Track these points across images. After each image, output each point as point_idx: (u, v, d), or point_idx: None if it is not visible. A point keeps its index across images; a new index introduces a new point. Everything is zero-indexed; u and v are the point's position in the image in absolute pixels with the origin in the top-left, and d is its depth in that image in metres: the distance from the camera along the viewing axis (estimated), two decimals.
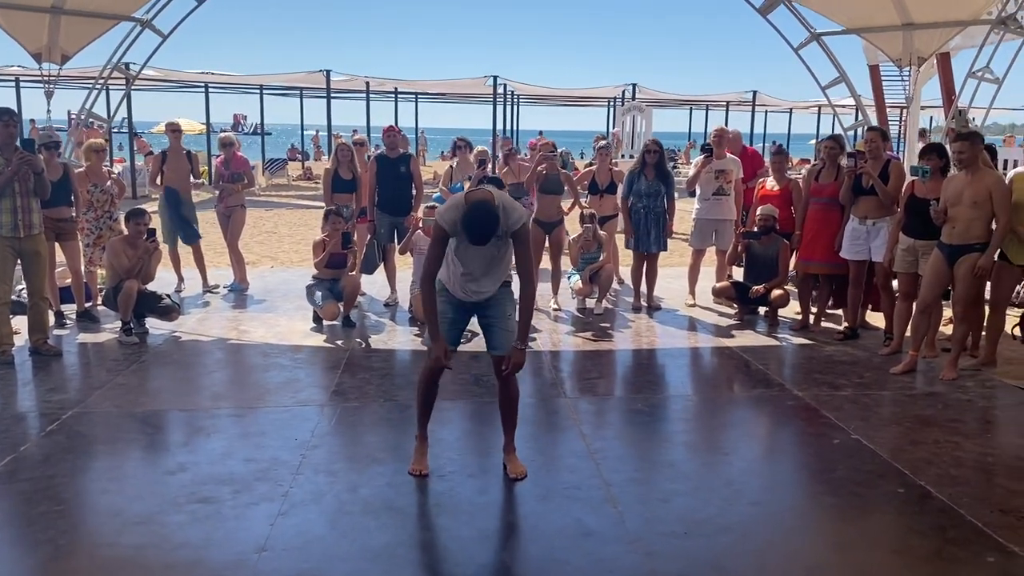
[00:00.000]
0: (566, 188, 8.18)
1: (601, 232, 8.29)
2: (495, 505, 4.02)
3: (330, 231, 7.51)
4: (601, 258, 8.19)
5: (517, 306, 4.29)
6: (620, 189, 8.57)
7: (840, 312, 7.63)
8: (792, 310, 7.76)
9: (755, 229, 7.79)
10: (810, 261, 7.34)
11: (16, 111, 8.91)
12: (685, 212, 9.86)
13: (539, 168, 7.99)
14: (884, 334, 6.99)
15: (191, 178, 8.92)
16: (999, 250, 5.93)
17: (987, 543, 3.65)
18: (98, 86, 9.28)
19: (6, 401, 5.49)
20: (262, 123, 29.55)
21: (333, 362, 6.34)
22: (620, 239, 8.56)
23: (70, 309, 7.61)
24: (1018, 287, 6.88)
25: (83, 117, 9.32)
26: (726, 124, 8.95)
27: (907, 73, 9.55)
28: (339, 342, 6.92)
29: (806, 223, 7.33)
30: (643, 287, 8.29)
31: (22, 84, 22.34)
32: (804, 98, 31.26)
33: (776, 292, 7.56)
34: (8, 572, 3.39)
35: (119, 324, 6.88)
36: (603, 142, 9.36)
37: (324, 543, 3.59)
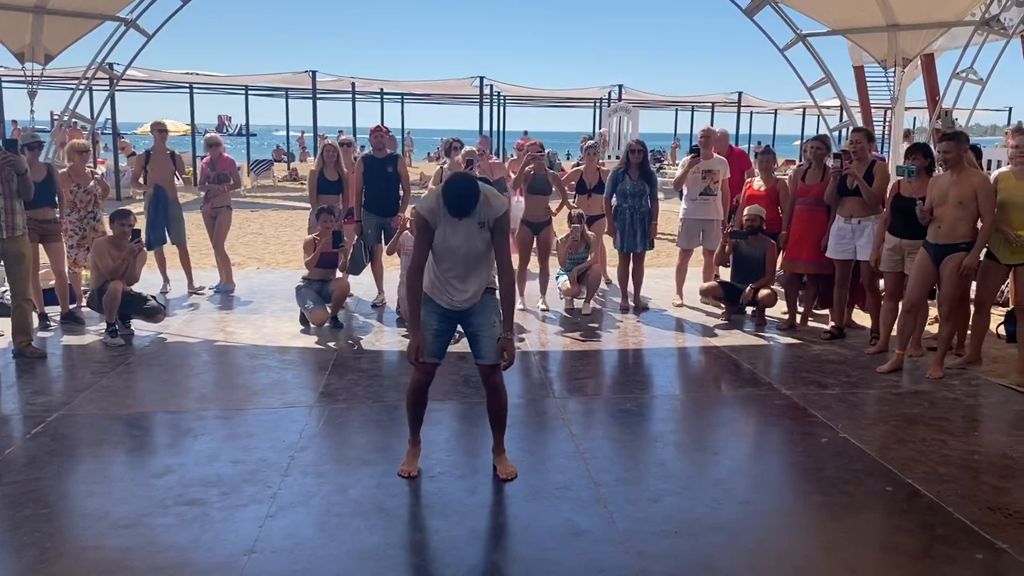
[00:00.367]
0: (554, 189, 8.18)
1: (589, 232, 8.29)
2: (485, 505, 4.00)
3: (321, 230, 7.48)
4: (589, 258, 8.19)
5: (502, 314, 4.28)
6: (605, 189, 8.58)
7: (827, 312, 7.66)
8: (779, 310, 7.80)
9: (742, 229, 7.81)
10: (796, 261, 7.37)
11: None
12: (672, 212, 9.89)
13: (527, 169, 7.99)
14: (870, 333, 7.03)
15: (176, 178, 8.86)
16: (985, 249, 5.98)
17: (975, 540, 3.67)
18: (82, 86, 9.21)
19: None
20: (247, 124, 29.45)
21: (321, 363, 6.31)
22: (608, 239, 8.57)
23: (54, 311, 7.55)
24: (1003, 286, 6.92)
25: (66, 117, 9.24)
26: (711, 125, 8.97)
27: (892, 74, 9.61)
28: (327, 343, 6.89)
29: (792, 223, 7.37)
30: (630, 287, 8.30)
31: (4, 84, 22.13)
32: (789, 99, 31.42)
33: (764, 292, 7.58)
34: None
35: (104, 326, 6.83)
36: (591, 142, 9.37)
37: (313, 545, 3.57)
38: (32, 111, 9.13)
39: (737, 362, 6.53)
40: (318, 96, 24.09)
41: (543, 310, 8.08)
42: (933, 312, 6.86)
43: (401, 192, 8.24)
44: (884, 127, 18.77)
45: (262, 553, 3.48)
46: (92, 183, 7.97)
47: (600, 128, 21.59)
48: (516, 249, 8.05)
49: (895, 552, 3.62)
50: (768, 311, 7.73)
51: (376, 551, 3.52)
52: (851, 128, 8.28)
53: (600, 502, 4.02)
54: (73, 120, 10.03)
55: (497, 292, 4.24)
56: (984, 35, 8.39)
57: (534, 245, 8.13)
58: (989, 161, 9.75)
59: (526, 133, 28.13)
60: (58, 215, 7.45)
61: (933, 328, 6.84)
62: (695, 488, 4.26)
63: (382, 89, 28.49)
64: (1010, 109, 30.15)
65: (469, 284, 4.14)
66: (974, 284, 6.36)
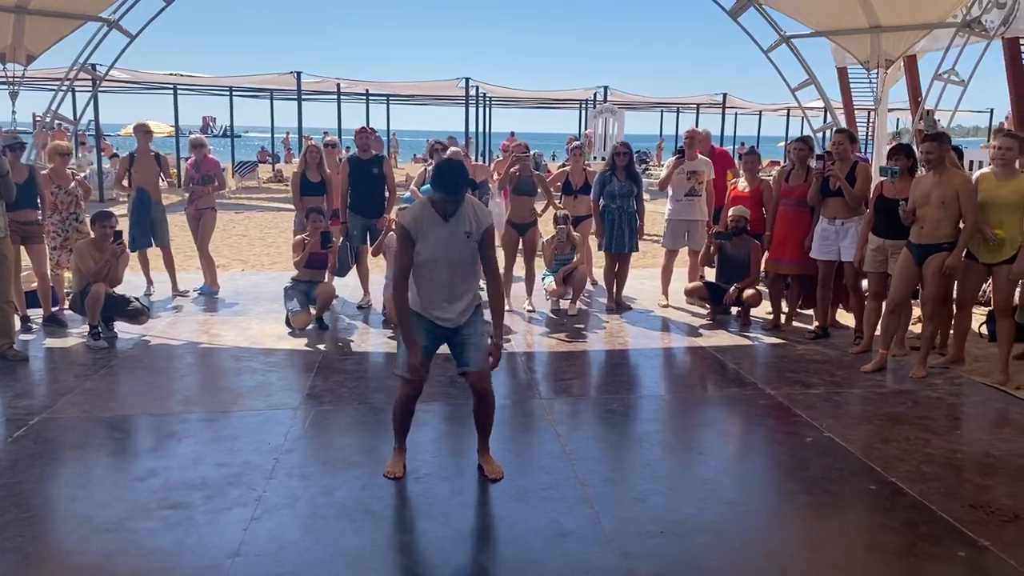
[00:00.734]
0: (539, 190, 8.19)
1: (575, 233, 8.30)
2: (471, 506, 4.00)
3: (311, 230, 7.45)
4: (575, 259, 8.20)
5: (488, 327, 4.27)
6: (592, 190, 8.59)
7: (811, 312, 7.70)
8: (764, 310, 7.83)
9: (727, 230, 7.84)
10: (780, 262, 7.40)
11: None
12: (658, 213, 9.91)
13: (512, 170, 8.00)
14: (854, 333, 7.07)
15: (160, 180, 8.80)
16: (966, 249, 6.02)
17: (958, 538, 3.70)
18: (64, 87, 9.13)
19: None
20: (231, 125, 29.29)
21: (306, 365, 6.29)
22: (594, 240, 8.59)
23: (36, 313, 7.49)
24: (984, 286, 6.97)
25: (48, 119, 9.17)
26: (696, 126, 9.00)
27: (875, 75, 9.67)
28: (312, 345, 6.86)
29: (776, 224, 7.40)
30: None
31: None
32: (773, 100, 31.57)
33: (748, 292, 7.62)
34: None
35: (87, 328, 6.78)
36: (576, 143, 9.38)
37: (298, 547, 3.55)
38: (14, 112, 9.03)
39: (722, 362, 6.55)
40: (303, 97, 24.00)
41: (529, 311, 8.08)
42: (916, 312, 6.91)
43: (387, 193, 8.23)
44: (868, 128, 18.89)
45: (247, 556, 3.46)
46: (73, 184, 7.91)
47: (586, 129, 21.62)
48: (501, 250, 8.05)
49: (879, 550, 3.64)
50: (753, 311, 7.77)
51: (362, 553, 3.51)
52: (834, 129, 8.32)
53: (586, 502, 4.02)
54: (56, 121, 9.95)
55: (483, 306, 4.23)
56: (965, 37, 8.45)
57: (520, 246, 8.13)
58: (971, 162, 9.83)
59: (512, 134, 28.15)
60: (40, 217, 7.39)
61: (916, 328, 6.88)
62: (681, 488, 4.27)
63: (367, 90, 28.43)
64: (992, 111, 30.37)
65: (457, 302, 4.10)
66: (956, 284, 6.40)
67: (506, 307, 8.03)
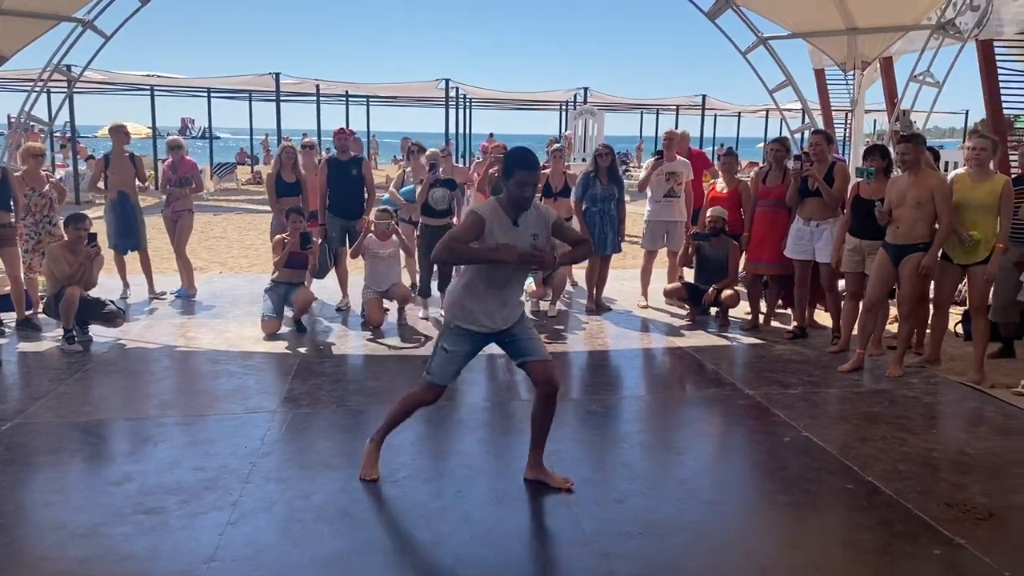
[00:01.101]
0: None
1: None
2: (450, 509, 3.97)
3: (290, 230, 7.40)
4: None
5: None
6: (574, 192, 8.60)
7: (789, 312, 7.74)
8: (743, 310, 7.86)
9: (705, 231, 7.87)
10: (758, 262, 7.44)
11: None
12: (637, 214, 9.94)
13: (491, 171, 7.99)
14: (832, 333, 7.11)
15: (137, 182, 8.71)
16: (942, 250, 6.07)
17: (934, 536, 3.72)
18: (37, 88, 9.03)
19: None
20: (210, 127, 29.07)
21: (284, 368, 6.24)
22: None
23: (9, 317, 7.39)
24: (960, 286, 7.03)
25: (22, 120, 9.06)
26: (676, 127, 9.03)
27: (851, 77, 9.74)
28: (290, 348, 6.81)
29: (754, 225, 7.44)
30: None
31: None
32: (752, 102, 31.76)
33: (726, 293, 7.64)
34: None
35: (61, 332, 6.70)
36: (556, 145, 9.38)
37: (275, 552, 3.52)
38: None
39: (701, 363, 6.57)
40: (282, 99, 23.86)
41: None
42: (893, 311, 6.96)
43: (365, 195, 8.19)
44: (845, 130, 19.01)
45: (222, 561, 3.42)
46: (47, 187, 7.82)
47: (565, 131, 21.65)
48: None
49: (856, 549, 3.65)
50: (731, 312, 7.79)
51: (339, 557, 3.48)
52: (811, 130, 8.38)
53: (566, 504, 4.02)
54: (30, 123, 9.83)
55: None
56: (940, 39, 8.52)
57: None
58: (947, 163, 9.92)
59: (491, 135, 28.15)
60: (13, 219, 7.30)
61: (893, 327, 6.93)
62: (660, 489, 4.28)
63: (347, 91, 28.32)
64: (967, 112, 30.72)
65: (506, 308, 3.99)
66: (933, 284, 6.46)
67: None
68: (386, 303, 7.68)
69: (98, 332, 6.97)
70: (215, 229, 14.83)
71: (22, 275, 7.42)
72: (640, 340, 7.41)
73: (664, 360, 6.96)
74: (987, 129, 8.39)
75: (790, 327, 7.41)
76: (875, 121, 27.92)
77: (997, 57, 9.26)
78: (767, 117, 34.47)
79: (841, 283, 7.03)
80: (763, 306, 7.72)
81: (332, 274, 8.25)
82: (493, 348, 6.77)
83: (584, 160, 14.33)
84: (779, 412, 5.35)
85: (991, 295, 6.25)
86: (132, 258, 8.76)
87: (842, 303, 6.94)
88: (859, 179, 6.50)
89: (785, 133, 10.81)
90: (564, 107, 29.43)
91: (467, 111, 31.17)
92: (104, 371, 6.19)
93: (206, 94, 27.41)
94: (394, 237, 7.68)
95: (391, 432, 4.31)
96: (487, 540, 3.69)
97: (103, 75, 21.20)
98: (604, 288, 8.45)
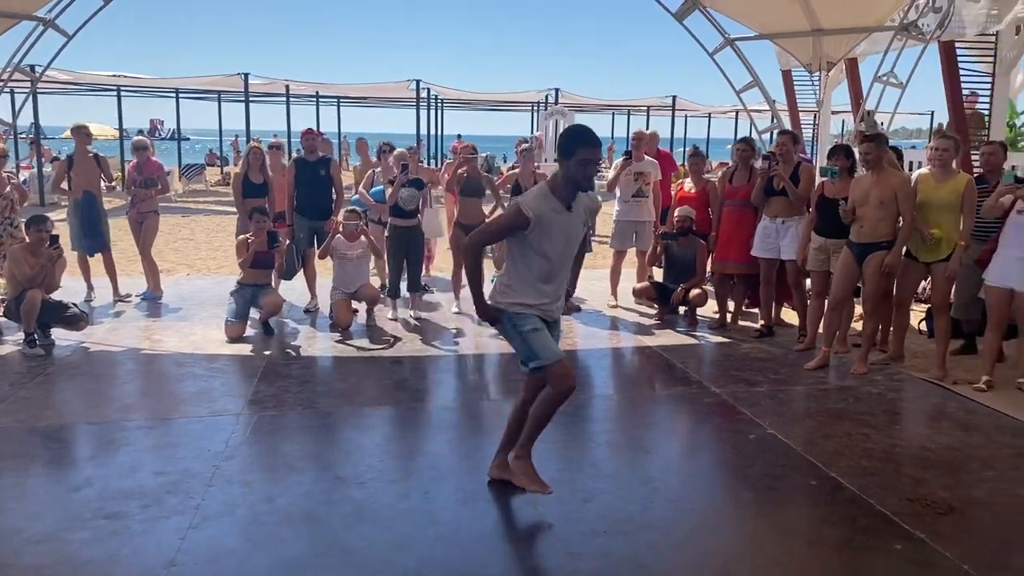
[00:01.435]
0: (488, 191, 8.17)
1: None
2: (416, 510, 3.95)
3: (254, 230, 7.33)
4: None
5: None
6: None
7: (757, 311, 7.79)
8: (710, 309, 7.91)
9: (673, 230, 7.91)
10: (726, 261, 7.49)
11: None
12: (606, 214, 9.95)
13: (460, 171, 7.97)
14: (798, 331, 7.17)
15: (102, 183, 8.58)
16: (905, 248, 6.14)
17: (895, 531, 3.76)
18: None
19: None
20: (178, 128, 28.78)
21: (250, 370, 6.18)
22: None
23: None
24: (924, 283, 7.13)
25: None
26: (647, 128, 9.08)
27: (817, 78, 9.85)
28: (257, 350, 6.75)
29: (721, 224, 7.49)
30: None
31: None
32: (722, 103, 31.96)
33: (695, 292, 7.69)
34: None
35: (23, 336, 6.58)
36: (525, 145, 9.37)
37: (237, 556, 3.48)
38: None
39: (669, 361, 6.60)
40: (251, 99, 23.66)
41: None
42: (859, 310, 7.04)
43: (334, 195, 8.14)
44: (814, 130, 19.20)
45: (183, 566, 3.38)
46: (8, 188, 7.69)
47: (536, 132, 21.67)
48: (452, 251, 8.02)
49: (819, 544, 3.69)
50: (700, 311, 7.84)
51: (302, 560, 3.45)
52: (778, 131, 8.45)
53: (532, 503, 4.01)
54: None
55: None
56: (903, 40, 8.64)
57: None
58: (911, 163, 10.05)
59: (459, 137, 28.12)
60: None
61: (858, 325, 7.01)
62: (626, 487, 4.28)
63: (317, 92, 28.14)
64: (932, 113, 31.11)
65: (559, 301, 3.91)
66: (896, 282, 6.53)
67: (456, 309, 8.05)
68: (355, 304, 7.63)
69: (61, 335, 6.86)
70: (183, 231, 14.68)
71: None
72: (609, 339, 7.43)
73: (633, 359, 6.98)
74: (950, 129, 8.51)
75: (757, 325, 7.46)
76: (843, 122, 28.21)
77: (959, 58, 9.39)
78: (737, 118, 34.72)
79: (808, 281, 7.10)
80: (731, 305, 7.76)
81: (300, 275, 8.19)
82: (464, 350, 6.83)
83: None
84: (745, 410, 5.39)
85: (953, 293, 6.34)
86: (97, 260, 8.64)
87: (808, 301, 7.00)
88: (823, 178, 6.56)
89: (753, 134, 10.89)
90: (535, 108, 29.46)
91: (438, 112, 31.11)
92: (66, 375, 6.09)
93: (174, 95, 27.14)
94: (362, 238, 7.64)
95: (535, 441, 4.05)
96: (453, 541, 3.67)
97: (69, 75, 20.91)
98: (574, 288, 8.45)
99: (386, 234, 7.94)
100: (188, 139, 48.54)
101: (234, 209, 8.47)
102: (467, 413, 5.48)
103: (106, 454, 4.59)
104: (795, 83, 12.59)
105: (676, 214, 7.82)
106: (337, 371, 6.43)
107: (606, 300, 8.66)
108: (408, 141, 23.34)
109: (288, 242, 7.90)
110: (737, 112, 32.48)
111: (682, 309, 8.01)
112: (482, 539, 3.69)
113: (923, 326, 7.43)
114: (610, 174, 8.86)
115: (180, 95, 27.55)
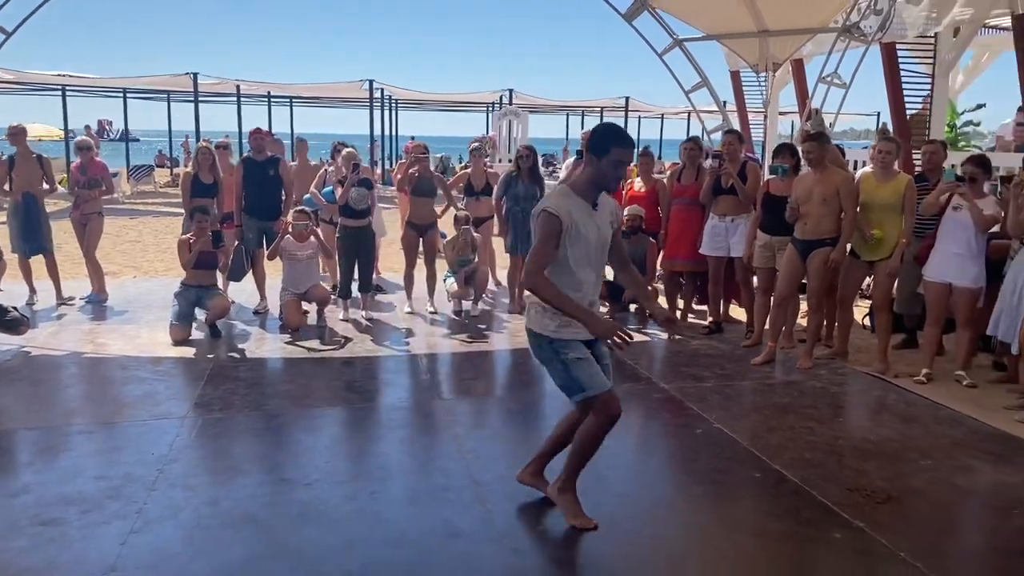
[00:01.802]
0: (439, 191, 8.16)
1: (476, 234, 8.29)
2: (363, 511, 3.93)
3: (196, 229, 7.22)
4: (475, 260, 8.20)
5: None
6: (495, 191, 8.61)
7: (706, 308, 7.89)
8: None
9: (623, 229, 7.96)
10: (675, 259, 7.57)
11: None
12: None
13: (411, 171, 7.95)
14: (746, 327, 7.28)
15: (44, 184, 8.38)
16: (848, 247, 6.26)
17: (835, 521, 3.84)
18: None
19: None
20: (126, 128, 28.24)
21: (196, 373, 6.09)
22: (498, 241, 8.59)
23: None
24: (868, 279, 7.28)
25: None
26: None
27: (764, 78, 10.00)
28: (204, 353, 6.64)
29: (670, 223, 7.57)
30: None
31: None
32: (675, 104, 32.29)
33: None
34: None
35: None
36: (475, 144, 9.37)
37: (179, 560, 3.43)
38: None
39: (619, 358, 6.61)
40: (201, 99, 23.29)
41: (431, 312, 8.04)
42: (804, 306, 7.16)
43: (283, 195, 8.06)
44: (764, 130, 19.50)
45: (124, 571, 3.32)
46: None
47: (489, 132, 21.68)
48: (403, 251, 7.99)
49: (764, 536, 3.75)
50: None
51: (245, 563, 3.41)
52: (724, 130, 8.57)
53: (480, 501, 4.01)
54: None
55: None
56: (846, 41, 8.83)
57: (420, 247, 8.08)
58: (856, 161, 10.25)
59: (413, 138, 28.03)
60: None
61: (804, 321, 7.13)
62: None
63: (269, 92, 27.82)
64: (878, 114, 31.76)
65: (597, 285, 3.70)
66: (840, 279, 6.65)
67: (408, 309, 8.02)
68: (305, 305, 7.56)
69: (0, 340, 6.69)
70: (130, 233, 14.40)
71: None
72: None
73: None
74: (894, 130, 8.72)
75: (706, 322, 7.55)
76: (792, 122, 28.67)
77: (900, 60, 9.62)
78: (689, 119, 35.09)
79: (755, 278, 7.20)
80: (680, 302, 7.84)
81: (249, 276, 8.09)
82: (416, 349, 6.81)
83: (510, 161, 14.38)
84: (692, 405, 5.45)
85: (895, 288, 6.48)
86: (39, 262, 8.44)
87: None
88: (772, 176, 6.66)
89: (703, 134, 11.02)
90: (490, 108, 29.48)
91: (393, 113, 30.96)
92: (6, 380, 5.93)
93: (121, 95, 26.62)
94: (312, 238, 7.57)
95: (579, 474, 3.92)
96: (399, 540, 3.66)
97: (11, 74, 20.41)
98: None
99: (337, 234, 7.88)
100: (137, 140, 47.65)
101: (183, 211, 8.34)
102: (418, 412, 5.47)
103: (45, 460, 4.48)
104: (743, 84, 12.79)
105: (626, 213, 7.88)
106: (286, 372, 6.37)
107: None
108: (363, 142, 23.20)
109: (237, 243, 7.80)
110: (689, 113, 32.83)
111: (632, 307, 8.08)
112: (429, 538, 3.68)
113: (867, 321, 7.59)
114: (562, 174, 8.91)
115: (128, 95, 27.04)
